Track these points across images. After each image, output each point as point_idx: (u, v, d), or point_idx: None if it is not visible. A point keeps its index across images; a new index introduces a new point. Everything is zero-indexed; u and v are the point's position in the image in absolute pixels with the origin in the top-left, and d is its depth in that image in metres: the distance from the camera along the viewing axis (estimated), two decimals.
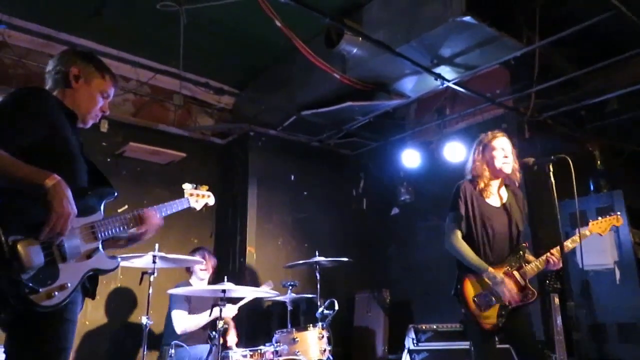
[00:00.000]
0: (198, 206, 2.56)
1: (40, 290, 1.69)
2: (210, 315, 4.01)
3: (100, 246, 1.94)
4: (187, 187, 2.55)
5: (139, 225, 2.13)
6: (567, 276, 4.40)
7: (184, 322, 4.13)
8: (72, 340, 1.85)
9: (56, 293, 1.73)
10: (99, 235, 1.94)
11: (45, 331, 1.75)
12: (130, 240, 2.22)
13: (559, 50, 4.61)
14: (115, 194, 2.08)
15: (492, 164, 3.12)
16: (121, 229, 2.06)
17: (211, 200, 2.62)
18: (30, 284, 1.66)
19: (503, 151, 3.12)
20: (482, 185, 3.14)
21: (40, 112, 1.88)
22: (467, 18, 3.74)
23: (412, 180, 5.95)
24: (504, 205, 3.17)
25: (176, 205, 2.40)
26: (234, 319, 4.38)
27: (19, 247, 1.65)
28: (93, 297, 2.00)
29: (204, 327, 4.22)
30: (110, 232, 1.98)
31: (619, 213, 3.26)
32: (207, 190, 2.61)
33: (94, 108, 2.14)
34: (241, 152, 5.72)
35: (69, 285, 1.78)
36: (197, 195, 2.55)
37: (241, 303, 4.21)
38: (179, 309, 4.18)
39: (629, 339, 4.27)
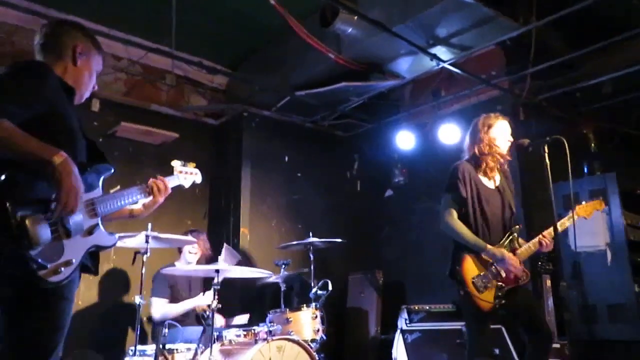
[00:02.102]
0: (187, 184, 2.56)
1: (48, 266, 1.69)
2: (190, 307, 4.04)
3: (99, 222, 1.94)
4: (176, 164, 2.55)
5: (152, 194, 2.24)
6: (558, 258, 4.44)
7: (162, 309, 4.18)
8: (68, 319, 1.85)
9: (62, 269, 1.73)
10: (99, 211, 1.94)
11: (42, 309, 1.76)
12: (132, 216, 2.30)
13: (555, 31, 4.57)
14: (112, 169, 2.07)
15: (495, 145, 3.14)
16: (136, 198, 2.16)
17: (198, 178, 2.62)
18: (40, 260, 1.66)
19: (506, 134, 3.17)
20: (483, 165, 3.16)
21: (44, 87, 1.85)
22: None
23: (407, 162, 5.94)
24: (497, 187, 3.20)
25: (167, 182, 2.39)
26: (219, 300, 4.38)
27: (27, 222, 1.64)
28: (96, 273, 2.00)
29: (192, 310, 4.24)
30: (109, 208, 1.99)
31: (601, 198, 3.36)
32: (195, 168, 2.61)
33: (91, 85, 2.15)
34: (235, 133, 5.68)
35: (74, 261, 1.78)
36: (186, 172, 2.55)
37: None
38: (159, 296, 4.21)
39: (618, 319, 4.32)
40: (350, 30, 4.30)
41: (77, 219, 1.82)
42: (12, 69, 1.85)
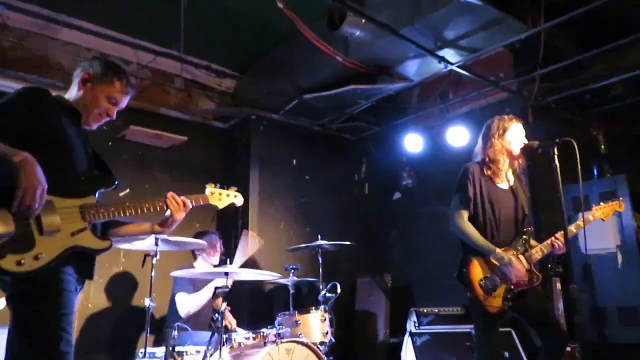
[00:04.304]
0: (220, 205, 2.54)
1: (7, 255, 1.78)
2: (212, 291, 3.98)
3: (88, 227, 2.02)
4: (210, 186, 2.54)
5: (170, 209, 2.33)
6: (568, 260, 4.41)
7: (186, 303, 4.12)
8: (73, 307, 1.94)
9: (25, 261, 1.82)
10: (87, 217, 2.02)
11: (45, 300, 1.87)
12: (156, 231, 2.44)
13: (564, 33, 4.55)
14: (116, 183, 2.18)
15: (511, 149, 3.13)
16: (133, 213, 2.20)
17: (239, 200, 2.60)
18: None
19: (520, 137, 3.15)
20: (495, 168, 3.13)
21: (29, 107, 2.01)
22: None
23: (415, 165, 5.94)
24: (511, 188, 3.18)
25: (195, 201, 2.42)
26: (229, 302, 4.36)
27: None
28: (90, 277, 2.10)
29: (207, 311, 4.22)
30: (100, 216, 2.06)
31: (621, 199, 3.30)
32: (236, 191, 2.59)
33: (95, 110, 2.24)
34: (243, 136, 5.71)
35: (43, 256, 1.86)
36: (220, 194, 2.53)
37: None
38: (182, 291, 4.16)
39: (629, 323, 4.28)
40: (358, 33, 4.30)
41: (53, 219, 1.91)
42: (11, 95, 2.05)
